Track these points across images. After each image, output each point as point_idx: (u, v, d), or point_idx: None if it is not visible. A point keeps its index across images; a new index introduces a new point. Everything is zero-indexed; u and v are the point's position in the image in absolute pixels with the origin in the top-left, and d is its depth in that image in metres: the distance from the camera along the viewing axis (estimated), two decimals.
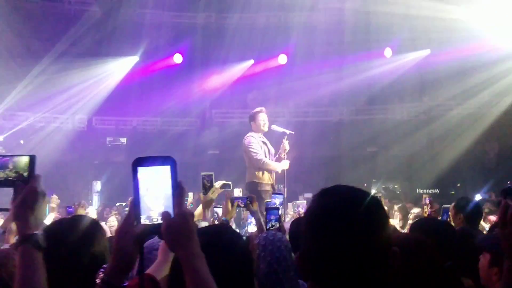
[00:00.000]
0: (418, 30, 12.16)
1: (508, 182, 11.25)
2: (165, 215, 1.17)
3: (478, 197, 8.68)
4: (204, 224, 3.10)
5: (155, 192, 1.21)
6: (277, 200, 3.68)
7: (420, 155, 12.21)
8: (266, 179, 5.89)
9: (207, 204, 3.34)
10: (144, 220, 1.21)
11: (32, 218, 1.37)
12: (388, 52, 12.63)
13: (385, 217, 1.09)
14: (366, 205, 1.07)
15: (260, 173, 5.86)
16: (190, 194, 7.40)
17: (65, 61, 11.54)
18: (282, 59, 12.93)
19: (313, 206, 1.11)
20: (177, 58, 12.90)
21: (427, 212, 3.91)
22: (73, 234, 1.64)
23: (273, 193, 3.94)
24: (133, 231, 1.19)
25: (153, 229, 1.19)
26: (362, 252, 1.03)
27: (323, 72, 12.51)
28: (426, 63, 12.34)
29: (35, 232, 1.36)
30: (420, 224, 2.61)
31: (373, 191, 12.22)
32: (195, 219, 3.63)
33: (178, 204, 1.17)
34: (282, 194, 3.82)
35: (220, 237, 1.40)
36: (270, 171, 5.94)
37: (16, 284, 1.31)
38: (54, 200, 6.12)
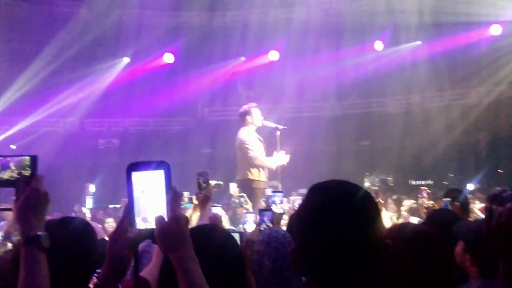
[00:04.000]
0: (407, 23, 12.20)
1: (500, 171, 11.38)
2: (158, 219, 1.17)
3: (470, 186, 8.74)
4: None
5: (150, 195, 1.22)
6: (277, 199, 3.64)
7: (412, 147, 12.28)
8: (261, 176, 5.84)
9: (204, 203, 3.29)
10: (140, 222, 1.21)
11: (35, 218, 1.35)
12: (378, 45, 12.65)
13: (376, 210, 1.10)
14: (358, 199, 1.08)
15: (255, 170, 5.80)
16: (185, 194, 7.37)
17: (56, 64, 11.44)
18: (273, 55, 12.91)
19: (305, 202, 1.12)
20: (168, 58, 12.85)
21: (425, 205, 3.92)
22: (70, 235, 1.63)
23: (272, 192, 3.92)
24: (126, 236, 1.20)
25: (147, 234, 1.20)
26: (355, 246, 1.04)
27: (314, 67, 12.51)
28: (416, 55, 12.38)
29: (38, 233, 1.33)
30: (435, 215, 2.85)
31: (366, 184, 12.29)
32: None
33: (172, 208, 1.18)
34: (281, 192, 3.79)
35: (209, 238, 1.39)
36: (263, 168, 5.90)
37: (20, 286, 1.29)
38: None
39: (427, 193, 4.09)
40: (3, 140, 11.80)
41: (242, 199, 4.60)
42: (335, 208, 1.06)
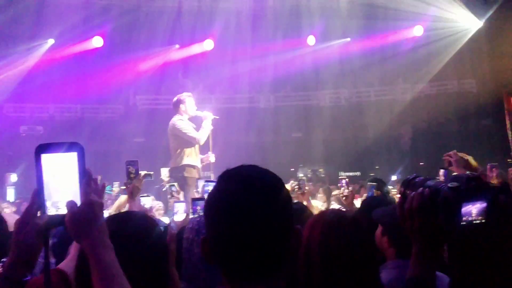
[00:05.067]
0: (339, 18, 12.62)
1: (421, 163, 12.17)
2: (69, 204, 1.12)
3: (394, 178, 9.26)
4: None
5: (62, 179, 1.15)
6: (210, 188, 3.59)
7: (341, 140, 12.78)
8: (196, 161, 5.81)
9: (133, 193, 3.22)
10: (50, 208, 1.14)
11: None
12: (311, 40, 12.97)
13: (286, 196, 1.07)
14: (266, 185, 1.05)
15: (189, 154, 5.77)
16: (116, 184, 7.14)
17: None
18: (208, 44, 12.79)
19: (215, 189, 1.09)
20: (97, 41, 12.28)
21: (343, 193, 4.09)
22: None
23: (206, 181, 3.87)
24: (35, 222, 1.13)
25: (58, 220, 1.14)
26: (257, 235, 1.01)
27: (249, 58, 12.57)
28: (347, 51, 12.85)
29: None
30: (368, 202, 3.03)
31: (300, 175, 12.62)
32: (117, 209, 3.52)
33: (84, 193, 1.13)
34: (215, 182, 3.73)
35: (127, 224, 1.33)
36: (196, 154, 5.87)
37: None
38: None
39: (346, 182, 4.26)
40: None
41: (173, 188, 4.51)
42: (242, 195, 1.03)
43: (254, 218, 1.01)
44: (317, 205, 5.76)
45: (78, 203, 1.12)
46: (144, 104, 13.24)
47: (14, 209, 6.97)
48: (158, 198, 6.47)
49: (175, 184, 4.64)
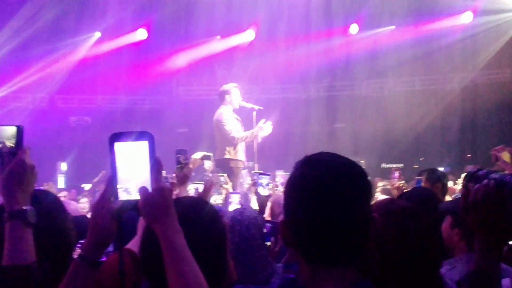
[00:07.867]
0: (383, 6, 12.28)
1: (468, 155, 11.75)
2: (142, 190, 1.17)
3: (441, 170, 8.98)
4: None
5: (133, 167, 1.21)
6: (264, 181, 3.56)
7: (384, 131, 12.51)
8: (239, 155, 5.85)
9: (183, 181, 3.28)
10: (122, 193, 1.20)
11: (21, 192, 1.31)
12: (354, 28, 12.71)
13: (367, 184, 1.11)
14: (353, 172, 1.09)
15: (232, 149, 5.81)
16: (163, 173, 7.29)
17: (24, 37, 11.01)
18: (250, 35, 12.78)
19: (295, 174, 1.11)
20: (141, 34, 12.55)
21: (396, 185, 4.02)
22: (42, 208, 1.59)
23: (259, 174, 3.87)
24: (109, 206, 1.19)
25: (131, 205, 1.19)
26: (344, 219, 1.04)
27: (291, 48, 12.48)
28: (390, 39, 12.50)
29: (23, 207, 1.30)
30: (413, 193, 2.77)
31: None
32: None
33: (156, 179, 1.18)
34: (268, 174, 3.71)
35: (193, 209, 1.37)
36: (241, 147, 5.89)
37: (4, 261, 1.26)
38: None
39: (399, 174, 4.20)
40: None
41: (221, 178, 4.57)
42: (331, 180, 1.05)
43: (339, 203, 1.04)
44: None
45: (148, 188, 1.18)
46: (187, 95, 13.45)
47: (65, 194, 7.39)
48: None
49: (225, 174, 4.68)
